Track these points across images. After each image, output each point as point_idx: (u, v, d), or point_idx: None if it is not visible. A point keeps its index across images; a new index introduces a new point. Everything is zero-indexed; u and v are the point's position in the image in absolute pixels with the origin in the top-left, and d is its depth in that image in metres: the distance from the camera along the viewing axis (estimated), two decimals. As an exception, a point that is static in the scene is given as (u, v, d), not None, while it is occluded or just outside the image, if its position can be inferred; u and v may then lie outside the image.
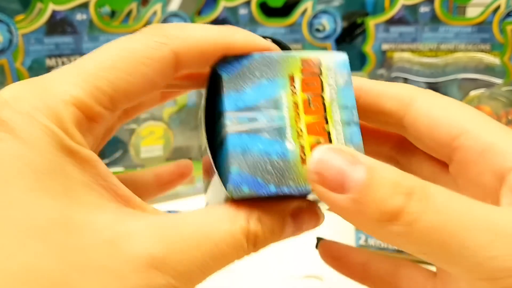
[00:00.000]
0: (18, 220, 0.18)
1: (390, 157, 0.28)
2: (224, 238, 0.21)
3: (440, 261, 0.21)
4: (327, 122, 0.23)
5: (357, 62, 0.80)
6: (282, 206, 0.23)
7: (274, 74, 0.23)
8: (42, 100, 0.20)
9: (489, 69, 0.70)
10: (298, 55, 0.24)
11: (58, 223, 0.19)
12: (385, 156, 0.28)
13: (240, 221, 0.22)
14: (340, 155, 0.20)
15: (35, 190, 0.19)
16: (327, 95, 0.24)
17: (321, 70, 0.24)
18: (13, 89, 0.21)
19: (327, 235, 0.53)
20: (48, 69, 0.64)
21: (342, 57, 0.24)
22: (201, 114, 0.24)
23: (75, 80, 0.21)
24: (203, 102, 0.23)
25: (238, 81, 0.23)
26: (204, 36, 0.23)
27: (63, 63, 0.65)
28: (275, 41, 0.25)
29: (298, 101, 0.23)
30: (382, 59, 0.75)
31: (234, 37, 0.24)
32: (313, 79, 0.24)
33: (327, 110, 0.23)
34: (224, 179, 0.22)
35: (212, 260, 0.21)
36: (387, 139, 0.28)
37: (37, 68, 0.64)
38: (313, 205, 0.24)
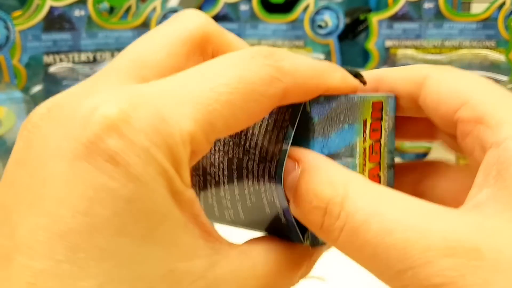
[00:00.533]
0: (130, 276, 0.18)
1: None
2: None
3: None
4: (380, 168, 0.24)
5: (360, 59, 0.80)
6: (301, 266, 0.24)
7: (353, 119, 0.23)
8: (160, 134, 0.18)
9: (494, 66, 0.70)
10: (370, 98, 0.24)
11: (164, 278, 0.18)
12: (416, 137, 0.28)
13: (300, 276, 0.23)
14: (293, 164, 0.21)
15: (146, 240, 0.18)
16: (382, 140, 0.24)
17: (382, 115, 0.24)
18: (120, 104, 0.18)
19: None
20: (46, 66, 0.64)
21: (394, 99, 0.24)
22: (286, 151, 0.22)
23: (193, 113, 0.19)
24: (288, 144, 0.22)
25: (326, 125, 0.22)
26: (312, 75, 0.22)
27: (60, 60, 0.65)
28: (352, 72, 0.24)
29: (366, 148, 0.23)
30: (385, 56, 0.74)
31: (334, 77, 0.22)
32: (377, 124, 0.24)
33: (381, 156, 0.24)
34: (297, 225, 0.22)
35: None
36: (409, 125, 0.27)
37: (35, 65, 0.64)
38: (315, 258, 0.26)
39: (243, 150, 0.23)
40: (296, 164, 0.21)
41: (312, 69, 0.22)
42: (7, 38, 0.58)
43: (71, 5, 0.64)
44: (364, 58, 0.78)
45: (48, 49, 0.64)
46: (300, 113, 0.22)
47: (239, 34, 0.78)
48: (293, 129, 0.21)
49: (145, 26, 0.69)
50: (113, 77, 0.20)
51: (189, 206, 0.19)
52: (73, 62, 0.66)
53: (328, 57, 0.75)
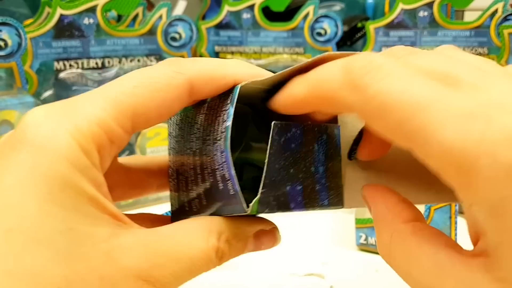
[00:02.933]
0: (29, 228, 0.20)
1: None
2: (198, 255, 0.23)
3: (396, 138, 0.20)
4: None
5: (358, 65, 0.80)
6: (248, 228, 0.26)
7: None
8: (68, 118, 0.22)
9: (486, 72, 0.70)
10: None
11: (63, 233, 0.20)
12: None
13: (213, 240, 0.24)
14: None
15: (47, 201, 0.20)
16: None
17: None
18: (42, 109, 0.22)
19: (328, 235, 0.53)
20: (56, 72, 0.65)
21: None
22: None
23: (101, 103, 0.22)
24: (230, 120, 0.24)
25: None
26: (213, 67, 0.25)
27: (70, 66, 0.65)
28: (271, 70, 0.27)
29: None
30: (382, 62, 0.75)
31: (240, 70, 0.25)
32: None
33: None
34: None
35: (187, 273, 0.23)
36: None
37: (45, 71, 0.64)
38: (274, 229, 0.27)
39: (202, 140, 0.25)
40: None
41: (213, 62, 0.25)
42: (19, 45, 0.58)
43: (80, 14, 0.64)
44: (361, 64, 0.78)
45: (59, 56, 0.65)
46: (236, 94, 0.24)
47: (242, 41, 0.78)
48: (232, 107, 0.24)
49: (151, 33, 0.69)
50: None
51: (97, 185, 0.22)
52: (83, 68, 0.66)
53: (327, 63, 0.75)
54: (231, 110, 0.24)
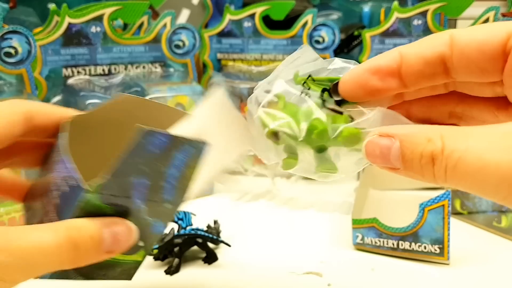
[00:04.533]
0: None
1: (452, 115, 0.28)
2: (50, 247, 0.24)
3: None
4: None
5: (354, 72, 0.80)
6: (98, 219, 0.27)
7: None
8: None
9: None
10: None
11: None
12: (447, 116, 0.29)
13: (62, 232, 0.25)
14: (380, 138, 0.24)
15: None
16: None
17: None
18: None
19: (326, 235, 0.53)
20: (64, 78, 0.65)
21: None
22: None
23: None
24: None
25: None
26: (43, 105, 0.30)
27: (78, 73, 0.66)
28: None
29: None
30: (377, 69, 0.75)
31: (57, 109, 0.30)
32: None
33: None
34: None
35: (40, 266, 0.24)
36: (443, 103, 0.28)
37: (54, 78, 0.64)
38: (125, 220, 0.28)
39: (46, 172, 0.31)
40: (392, 139, 0.23)
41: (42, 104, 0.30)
42: (29, 52, 0.58)
43: (88, 22, 0.65)
44: (358, 70, 0.78)
45: (67, 63, 0.65)
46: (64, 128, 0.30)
47: (243, 49, 0.78)
48: (61, 139, 0.29)
49: (156, 41, 0.69)
50: None
51: None
52: (90, 74, 0.66)
53: (325, 70, 0.75)
54: (61, 140, 0.29)
